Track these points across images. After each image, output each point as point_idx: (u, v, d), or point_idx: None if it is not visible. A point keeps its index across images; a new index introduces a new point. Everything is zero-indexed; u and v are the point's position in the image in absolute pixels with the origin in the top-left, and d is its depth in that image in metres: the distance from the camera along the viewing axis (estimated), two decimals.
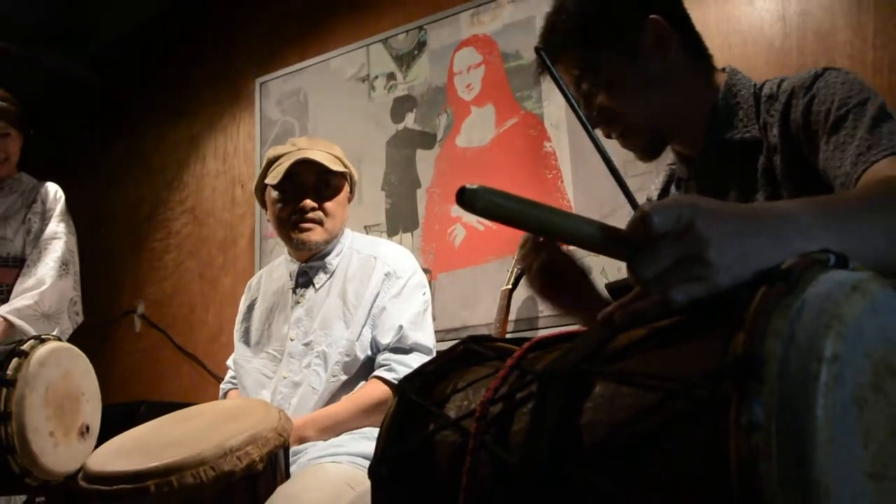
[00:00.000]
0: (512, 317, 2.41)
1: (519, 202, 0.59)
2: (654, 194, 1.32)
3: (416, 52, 2.94)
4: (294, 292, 1.89)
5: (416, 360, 1.72)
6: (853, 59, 2.11)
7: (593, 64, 1.12)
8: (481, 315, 2.59)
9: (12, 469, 1.66)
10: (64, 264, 2.40)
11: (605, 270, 2.39)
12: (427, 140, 2.86)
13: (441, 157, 2.82)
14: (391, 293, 1.81)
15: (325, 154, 1.85)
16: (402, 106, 2.95)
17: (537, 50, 0.67)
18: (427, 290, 1.88)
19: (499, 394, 0.60)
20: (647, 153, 1.18)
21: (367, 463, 1.38)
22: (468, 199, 0.58)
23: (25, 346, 1.77)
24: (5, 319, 2.19)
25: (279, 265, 2.01)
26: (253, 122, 3.36)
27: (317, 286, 1.87)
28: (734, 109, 1.13)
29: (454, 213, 2.74)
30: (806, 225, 0.60)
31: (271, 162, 1.87)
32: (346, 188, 1.92)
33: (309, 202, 1.83)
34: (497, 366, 0.64)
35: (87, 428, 1.87)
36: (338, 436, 1.67)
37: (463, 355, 0.70)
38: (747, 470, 0.42)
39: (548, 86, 2.62)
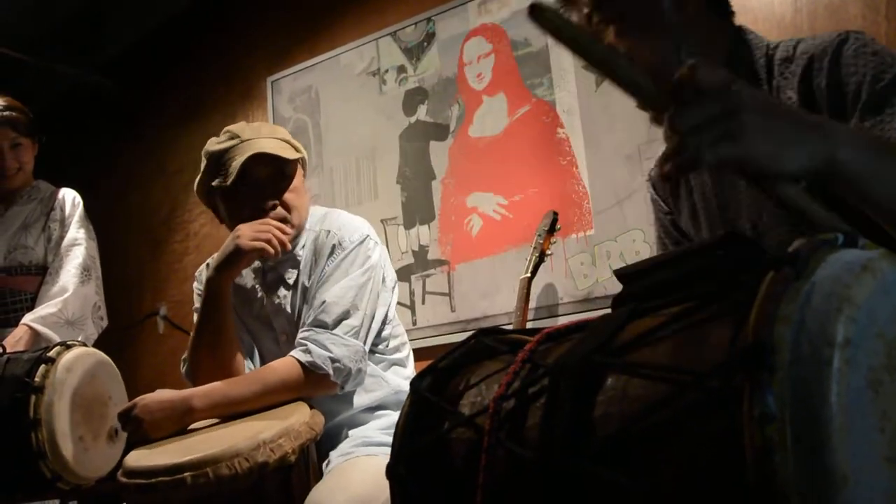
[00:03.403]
0: (532, 305, 2.40)
1: (577, 31, 0.69)
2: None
3: (425, 43, 2.93)
4: (267, 295, 1.71)
5: (336, 341, 1.53)
6: (866, 31, 2.05)
7: None
8: (501, 304, 2.58)
9: (44, 474, 1.70)
10: (86, 270, 2.42)
11: (622, 255, 2.38)
12: (440, 132, 2.85)
13: (454, 147, 2.81)
14: (331, 266, 1.63)
15: (275, 142, 1.65)
16: (413, 98, 2.94)
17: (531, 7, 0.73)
18: (372, 262, 1.64)
19: (511, 389, 0.60)
20: None
21: None
22: (536, 13, 0.68)
23: (52, 353, 1.79)
24: (30, 328, 2.22)
25: None
26: (266, 120, 3.35)
27: (289, 281, 1.69)
28: (740, 70, 1.08)
29: (470, 204, 2.73)
30: (839, 140, 0.68)
31: (216, 158, 1.65)
32: (300, 171, 1.73)
33: (271, 202, 1.63)
34: (508, 360, 0.64)
35: (116, 431, 1.89)
36: (233, 415, 1.49)
37: (474, 349, 0.70)
38: (763, 462, 0.41)
39: (559, 73, 2.60)
